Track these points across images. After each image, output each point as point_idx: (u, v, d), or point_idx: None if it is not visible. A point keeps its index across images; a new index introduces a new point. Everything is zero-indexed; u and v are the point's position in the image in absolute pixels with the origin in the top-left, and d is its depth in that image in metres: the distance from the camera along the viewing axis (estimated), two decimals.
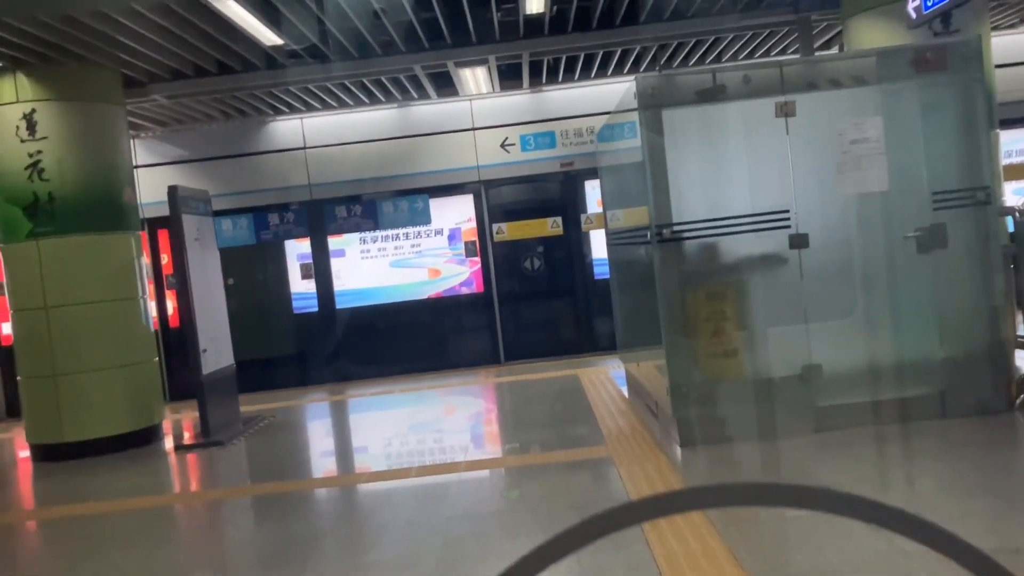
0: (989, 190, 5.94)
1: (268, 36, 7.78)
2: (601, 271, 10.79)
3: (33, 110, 7.83)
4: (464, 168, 11.12)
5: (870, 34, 8.00)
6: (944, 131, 5.97)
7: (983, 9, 7.86)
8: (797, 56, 9.94)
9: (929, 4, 7.03)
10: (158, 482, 7.07)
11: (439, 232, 11.25)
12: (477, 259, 11.25)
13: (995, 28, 9.67)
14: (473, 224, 11.25)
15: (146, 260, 9.38)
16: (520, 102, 11.20)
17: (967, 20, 7.16)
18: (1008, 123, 9.07)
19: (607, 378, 9.10)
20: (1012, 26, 10.38)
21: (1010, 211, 6.15)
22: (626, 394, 8.09)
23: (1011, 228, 6.18)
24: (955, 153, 5.95)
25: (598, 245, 10.94)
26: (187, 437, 8.60)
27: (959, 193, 5.90)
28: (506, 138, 11.14)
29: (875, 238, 6.03)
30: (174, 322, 11.14)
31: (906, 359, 5.94)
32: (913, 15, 7.28)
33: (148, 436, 8.24)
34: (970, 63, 5.95)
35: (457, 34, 8.56)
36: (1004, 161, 9.39)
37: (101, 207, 8.07)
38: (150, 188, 10.50)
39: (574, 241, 11.29)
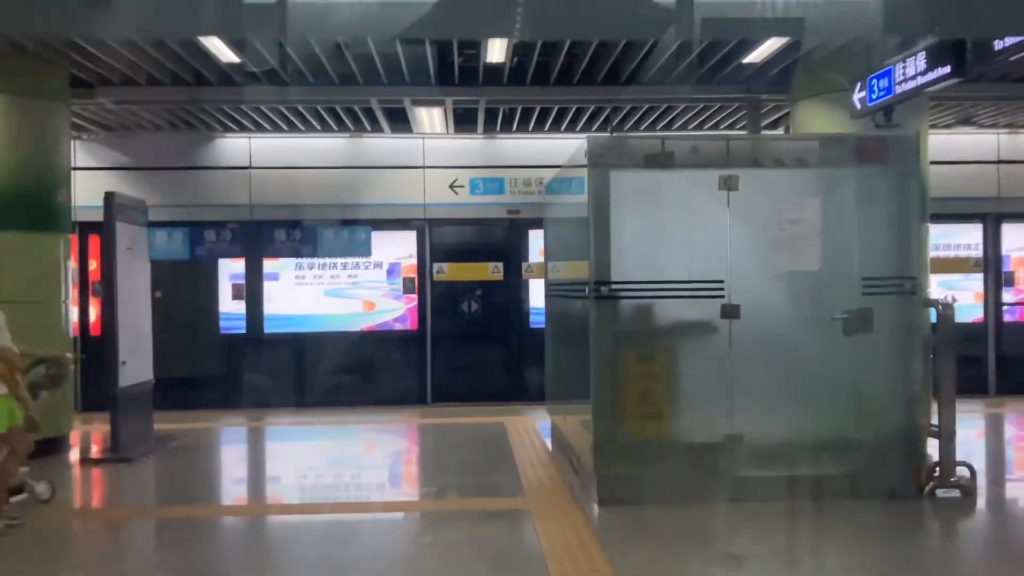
0: (916, 281, 6.14)
1: (226, 53, 7.70)
2: (537, 320, 10.81)
3: None
4: (411, 204, 11.11)
5: (815, 119, 8.29)
6: (878, 219, 6.17)
7: (923, 107, 8.21)
8: (744, 132, 10.22)
9: (873, 97, 7.31)
10: (59, 496, 6.78)
11: (378, 265, 11.17)
12: (414, 296, 11.18)
13: (933, 126, 10.08)
14: (414, 261, 11.21)
15: (73, 264, 9.11)
16: (473, 146, 11.27)
17: (908, 116, 7.46)
18: (937, 218, 9.41)
19: (533, 429, 9.07)
20: (948, 126, 10.84)
21: (934, 303, 6.36)
22: (550, 447, 8.07)
23: (933, 319, 6.38)
24: (887, 242, 6.15)
25: (536, 294, 10.97)
26: (95, 451, 8.30)
27: (888, 281, 6.08)
28: (455, 180, 11.17)
29: (804, 316, 6.16)
30: (95, 330, 10.79)
31: (824, 437, 6.04)
32: (858, 106, 7.57)
33: (54, 446, 7.89)
34: (908, 157, 6.19)
35: (417, 73, 8.60)
36: (931, 254, 9.74)
37: (32, 205, 7.83)
38: (86, 192, 10.21)
39: (513, 288, 11.32)
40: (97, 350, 10.20)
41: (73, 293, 9.03)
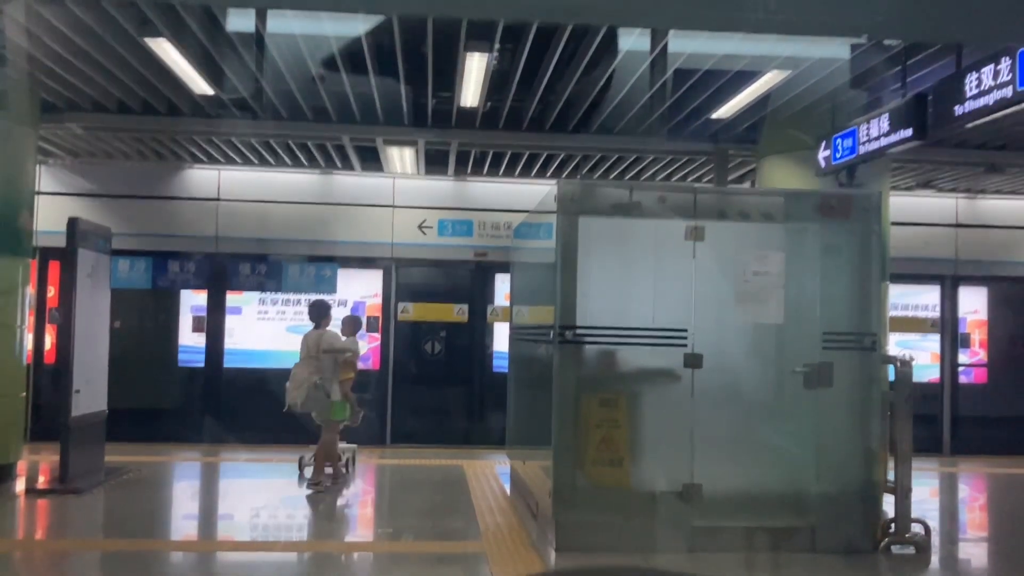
0: (876, 337, 6.23)
1: (200, 84, 7.68)
2: (500, 364, 10.78)
3: None
4: (378, 243, 11.09)
5: (781, 175, 8.45)
6: (840, 275, 6.27)
7: (885, 169, 8.41)
8: (711, 185, 10.37)
9: (838, 156, 7.48)
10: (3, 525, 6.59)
11: (343, 303, 11.10)
12: (378, 335, 11.11)
13: (894, 188, 10.30)
14: (379, 300, 11.16)
15: (31, 290, 8.95)
16: (442, 187, 11.31)
17: (871, 176, 7.63)
18: (896, 278, 9.58)
19: (492, 473, 8.99)
20: (909, 188, 11.10)
21: (892, 360, 6.45)
22: (509, 491, 8.00)
23: (892, 377, 6.47)
24: (848, 297, 6.24)
25: (500, 337, 10.96)
26: (42, 481, 8.07)
27: (848, 336, 6.16)
28: (424, 220, 11.19)
29: (765, 368, 6.21)
30: (50, 358, 10.56)
31: (782, 490, 6.06)
32: (823, 164, 7.73)
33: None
34: (870, 215, 6.31)
35: (390, 113, 8.65)
36: (890, 313, 9.90)
37: None
38: (49, 217, 10.07)
39: (477, 331, 11.29)
40: (51, 378, 10.00)
41: (29, 319, 8.85)
